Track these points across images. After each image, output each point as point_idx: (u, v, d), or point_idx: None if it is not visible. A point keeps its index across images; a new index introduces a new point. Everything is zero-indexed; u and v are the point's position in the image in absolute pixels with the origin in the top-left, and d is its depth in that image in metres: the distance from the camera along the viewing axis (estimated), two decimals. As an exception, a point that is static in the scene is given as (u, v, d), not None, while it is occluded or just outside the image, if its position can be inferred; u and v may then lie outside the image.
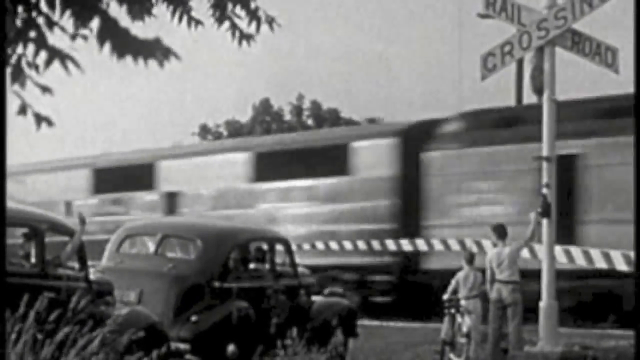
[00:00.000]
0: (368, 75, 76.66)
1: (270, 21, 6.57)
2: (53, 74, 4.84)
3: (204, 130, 53.87)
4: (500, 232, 14.98)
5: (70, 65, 4.78)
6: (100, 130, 75.30)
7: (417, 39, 76.74)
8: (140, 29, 5.06)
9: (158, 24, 6.12)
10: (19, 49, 4.87)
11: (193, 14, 6.57)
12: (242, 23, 6.59)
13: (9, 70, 4.81)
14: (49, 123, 4.87)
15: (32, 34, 4.82)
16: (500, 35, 16.34)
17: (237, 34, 6.56)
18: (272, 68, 73.05)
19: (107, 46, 4.80)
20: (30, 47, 4.85)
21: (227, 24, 6.54)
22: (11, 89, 4.79)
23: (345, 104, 65.75)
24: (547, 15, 15.63)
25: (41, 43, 4.84)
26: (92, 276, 10.56)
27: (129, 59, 4.80)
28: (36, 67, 4.83)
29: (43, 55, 4.82)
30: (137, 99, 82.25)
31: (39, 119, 4.84)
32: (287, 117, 53.32)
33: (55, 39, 4.92)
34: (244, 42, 6.60)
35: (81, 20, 4.90)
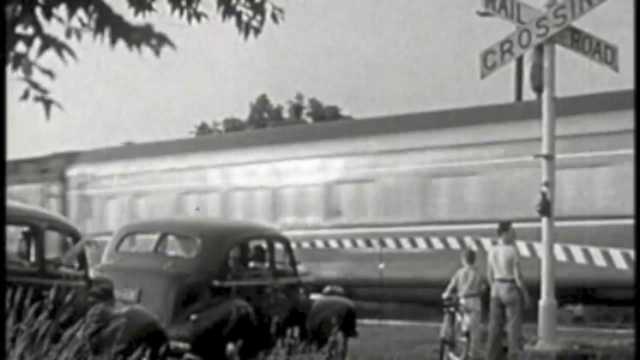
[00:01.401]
0: (368, 73, 76.66)
1: (276, 14, 6.50)
2: (49, 65, 4.78)
3: (203, 129, 53.82)
4: (500, 229, 14.93)
5: (66, 55, 4.71)
6: (97, 129, 75.26)
7: (417, 38, 76.73)
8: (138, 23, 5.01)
9: (158, 20, 6.08)
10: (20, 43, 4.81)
11: (196, 7, 6.52)
12: (246, 17, 6.53)
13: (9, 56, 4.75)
14: (48, 108, 4.76)
15: (29, 23, 4.78)
16: (499, 33, 16.34)
17: (244, 26, 6.50)
18: (272, 66, 73.03)
19: (100, 34, 4.75)
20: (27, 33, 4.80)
21: (233, 16, 6.48)
22: (14, 75, 4.72)
23: (345, 102, 65.64)
24: (546, 13, 15.61)
25: (37, 32, 4.78)
26: (91, 275, 10.54)
27: (122, 44, 4.74)
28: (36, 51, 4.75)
29: (37, 43, 4.77)
30: (136, 97, 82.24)
31: (47, 104, 4.74)
32: (286, 115, 53.27)
33: (52, 28, 4.87)
34: (251, 35, 6.54)
35: (76, 8, 4.85)
